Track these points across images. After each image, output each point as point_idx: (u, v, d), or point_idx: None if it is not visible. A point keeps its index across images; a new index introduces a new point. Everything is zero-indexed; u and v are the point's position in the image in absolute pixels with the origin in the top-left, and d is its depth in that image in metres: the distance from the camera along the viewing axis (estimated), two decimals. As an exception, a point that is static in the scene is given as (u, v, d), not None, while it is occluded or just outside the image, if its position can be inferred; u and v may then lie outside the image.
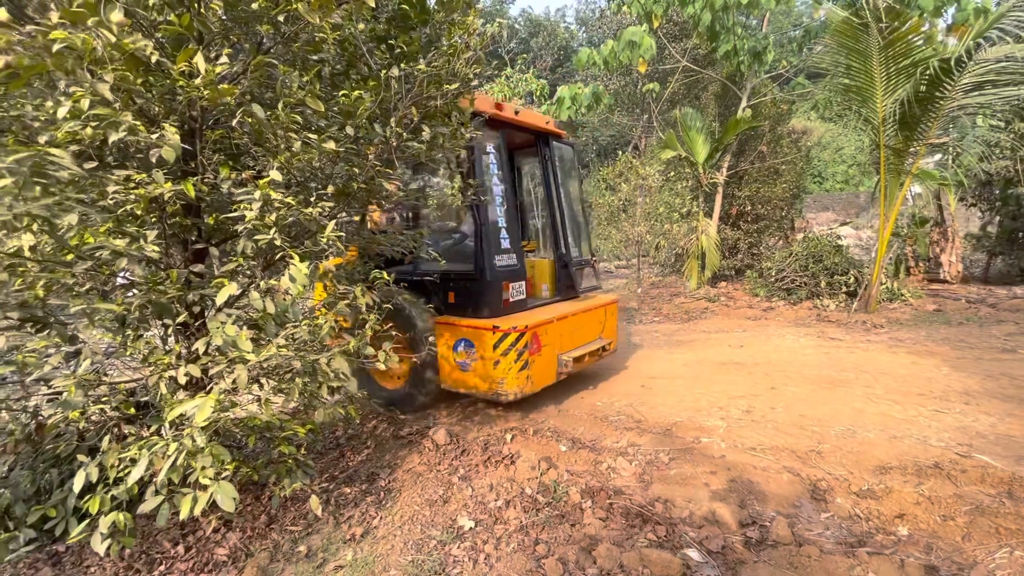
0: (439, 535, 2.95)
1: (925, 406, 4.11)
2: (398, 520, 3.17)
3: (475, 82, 2.96)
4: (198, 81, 1.89)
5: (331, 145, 2.26)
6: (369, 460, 4.15)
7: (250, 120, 2.13)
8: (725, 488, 3.15)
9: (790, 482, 3.14)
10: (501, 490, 3.34)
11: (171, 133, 1.95)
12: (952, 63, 6.25)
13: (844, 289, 8.80)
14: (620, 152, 13.35)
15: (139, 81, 2.09)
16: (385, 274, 2.84)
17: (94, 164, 2.44)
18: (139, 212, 2.44)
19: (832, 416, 4.03)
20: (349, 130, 2.44)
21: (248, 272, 2.76)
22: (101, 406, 2.47)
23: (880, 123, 7.14)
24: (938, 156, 10.09)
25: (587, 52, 10.41)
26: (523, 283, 4.43)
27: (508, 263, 4.28)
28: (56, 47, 1.64)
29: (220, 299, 2.09)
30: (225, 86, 1.97)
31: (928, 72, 6.43)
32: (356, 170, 2.58)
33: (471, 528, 3.00)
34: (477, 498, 3.29)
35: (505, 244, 4.23)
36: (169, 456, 2.00)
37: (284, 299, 2.41)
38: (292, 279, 2.24)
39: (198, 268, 2.76)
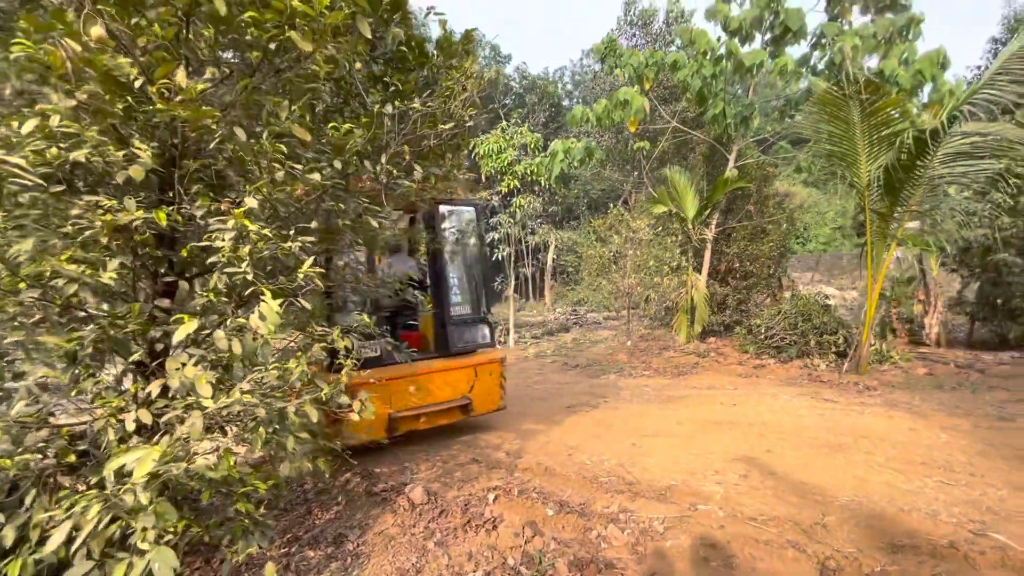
0: (409, 613, 2.62)
1: (930, 476, 3.91)
2: (364, 593, 2.83)
3: (470, 123, 2.92)
4: (178, 99, 1.77)
5: (316, 177, 2.14)
6: (338, 518, 3.80)
7: (231, 147, 2.01)
8: (726, 565, 2.88)
9: (795, 559, 2.88)
10: (481, 559, 3.03)
11: (142, 151, 1.81)
12: (927, 135, 6.49)
13: (834, 349, 8.74)
14: (611, 205, 13.58)
15: (118, 105, 1.98)
16: (366, 317, 2.66)
17: (61, 188, 2.30)
18: (103, 240, 2.26)
19: (835, 484, 3.81)
20: (337, 164, 2.33)
21: (220, 309, 2.56)
22: (32, 455, 2.18)
23: (865, 188, 7.32)
24: (917, 223, 10.38)
25: (581, 110, 10.75)
26: (374, 341, 4.38)
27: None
28: (13, 55, 1.51)
29: (177, 337, 1.89)
30: (207, 108, 1.86)
31: (907, 143, 6.65)
32: (342, 206, 2.45)
33: (445, 605, 2.68)
34: (454, 568, 2.97)
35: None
36: (90, 520, 1.73)
37: (255, 339, 2.21)
38: (263, 317, 2.05)
39: (164, 303, 2.56)
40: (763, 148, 13.13)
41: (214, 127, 1.95)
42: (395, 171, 2.54)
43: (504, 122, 12.13)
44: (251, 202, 2.01)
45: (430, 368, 4.84)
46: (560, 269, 24.62)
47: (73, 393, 2.30)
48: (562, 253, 22.35)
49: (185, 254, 2.60)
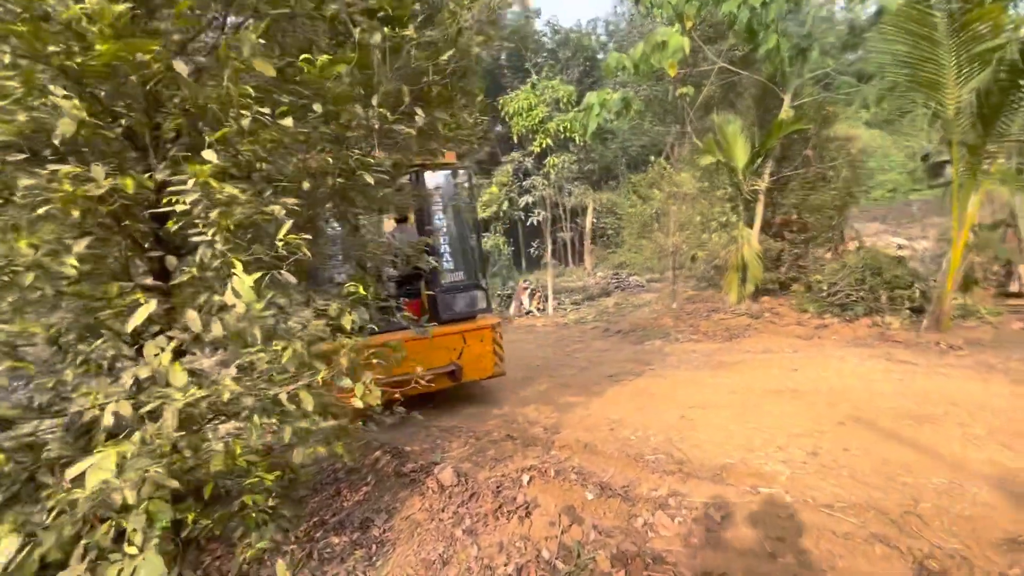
0: (433, 613, 2.37)
1: (1045, 452, 3.30)
2: (387, 586, 2.61)
3: (478, 50, 2.45)
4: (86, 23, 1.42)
5: (288, 122, 1.77)
6: (367, 500, 3.63)
7: (190, 94, 1.66)
8: (799, 562, 2.46)
9: (885, 557, 2.43)
10: (513, 551, 2.74)
11: (67, 103, 1.48)
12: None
13: (908, 304, 7.86)
14: (651, 160, 12.69)
15: (49, 48, 1.66)
16: (361, 288, 2.33)
17: (21, 157, 2.04)
18: (72, 214, 1.99)
19: (925, 464, 3.27)
20: (317, 107, 1.95)
21: (208, 285, 2.29)
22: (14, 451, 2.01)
23: (952, 118, 6.31)
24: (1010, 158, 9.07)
25: (616, 57, 9.87)
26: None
27: None
28: None
29: (134, 322, 1.60)
30: (139, 40, 1.50)
31: (1009, 59, 5.61)
32: (329, 160, 2.08)
33: (473, 604, 2.41)
34: (483, 560, 2.70)
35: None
36: (50, 531, 1.51)
37: (238, 320, 1.91)
38: (237, 294, 1.74)
39: (147, 281, 2.30)
40: (823, 86, 11.82)
41: (153, 63, 1.60)
42: (390, 116, 2.14)
43: (534, 76, 11.38)
44: (210, 155, 1.67)
45: (414, 335, 4.66)
46: (600, 232, 23.77)
47: (51, 384, 2.10)
48: (601, 215, 21.50)
49: (171, 226, 2.32)
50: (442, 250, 5.06)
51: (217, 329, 1.75)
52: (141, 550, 1.88)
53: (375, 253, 2.75)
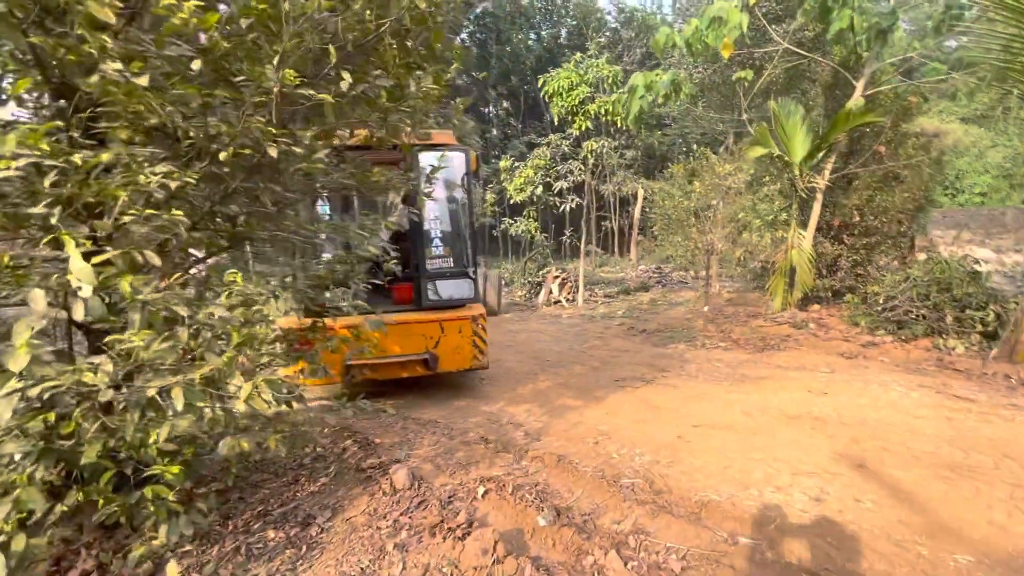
0: (328, 640, 2.14)
1: (1118, 535, 2.64)
2: (296, 599, 2.40)
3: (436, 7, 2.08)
4: None
5: (143, 80, 1.50)
6: (320, 493, 3.45)
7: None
8: (758, 643, 2.03)
9: (870, 652, 1.96)
10: (437, 577, 2.46)
11: None
12: None
13: (979, 328, 6.84)
14: (695, 148, 11.80)
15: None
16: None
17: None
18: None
19: (953, 532, 2.69)
20: (196, 65, 1.67)
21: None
22: None
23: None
24: None
25: (666, 32, 9.09)
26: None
27: None
28: None
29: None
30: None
31: None
32: (221, 127, 1.81)
33: (373, 636, 2.16)
34: (403, 584, 2.44)
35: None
36: None
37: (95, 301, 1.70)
38: (79, 279, 1.52)
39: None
40: (906, 73, 10.47)
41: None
42: (295, 78, 1.84)
43: (579, 54, 10.75)
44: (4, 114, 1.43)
45: (390, 320, 4.61)
46: (648, 223, 22.79)
47: None
48: (652, 206, 20.54)
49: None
50: (431, 235, 4.81)
51: (40, 306, 1.53)
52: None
53: (303, 236, 2.49)
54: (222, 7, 1.90)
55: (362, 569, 2.57)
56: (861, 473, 3.38)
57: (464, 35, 31.85)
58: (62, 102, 2.14)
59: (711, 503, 3.05)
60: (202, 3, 1.64)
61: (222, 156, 2.00)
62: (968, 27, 8.34)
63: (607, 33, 31.99)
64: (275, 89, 1.84)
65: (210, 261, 3.14)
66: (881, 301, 7.88)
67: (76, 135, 2.00)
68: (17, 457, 2.07)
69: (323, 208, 5.83)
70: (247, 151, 1.92)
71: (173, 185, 1.84)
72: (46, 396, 1.67)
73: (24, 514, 1.99)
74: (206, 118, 1.84)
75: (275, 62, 1.80)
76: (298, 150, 1.98)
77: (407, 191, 3.41)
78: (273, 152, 1.86)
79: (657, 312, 10.90)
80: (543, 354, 7.31)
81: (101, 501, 2.36)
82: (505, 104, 32.27)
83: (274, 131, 1.87)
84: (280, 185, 2.21)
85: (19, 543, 1.92)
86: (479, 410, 4.92)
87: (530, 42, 33.08)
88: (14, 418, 1.90)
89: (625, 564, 2.51)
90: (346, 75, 2.01)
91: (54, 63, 1.64)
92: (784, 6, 10.57)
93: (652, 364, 6.52)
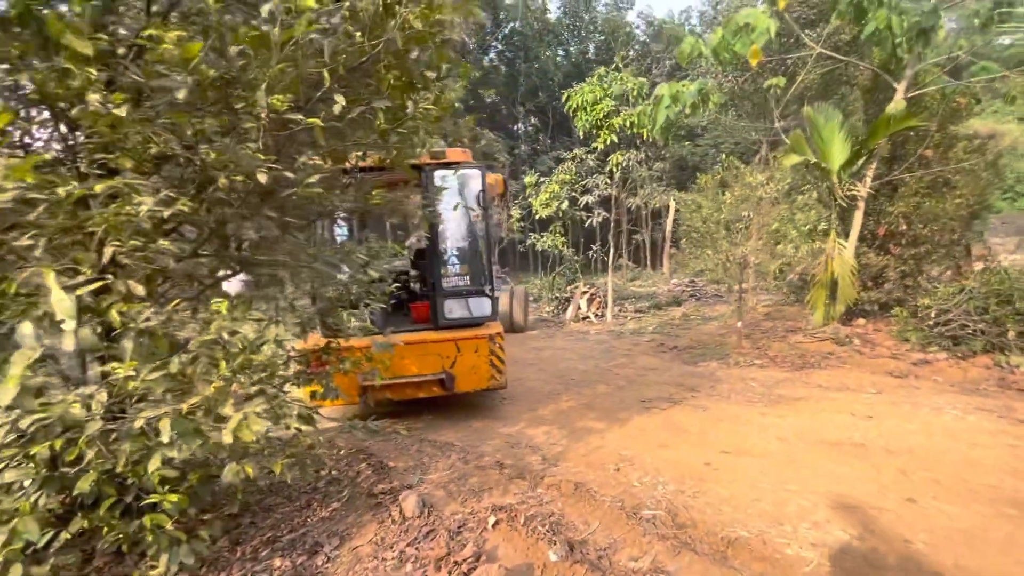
0: None
1: None
2: (295, 634, 2.32)
3: (452, 18, 2.02)
4: None
5: (122, 111, 1.50)
6: (331, 519, 3.40)
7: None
8: None
9: None
10: (439, 617, 2.34)
11: None
12: None
13: (1047, 344, 6.26)
14: (723, 157, 11.44)
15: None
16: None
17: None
18: None
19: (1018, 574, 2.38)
20: (181, 95, 1.66)
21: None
22: None
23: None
24: None
25: (691, 42, 8.91)
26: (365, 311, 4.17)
27: None
28: None
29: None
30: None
31: None
32: (212, 154, 1.80)
33: None
34: (404, 622, 2.33)
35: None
36: None
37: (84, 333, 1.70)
38: (59, 311, 1.51)
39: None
40: (953, 73, 9.90)
41: None
42: (283, 103, 1.81)
43: (602, 68, 10.69)
44: None
45: (405, 340, 4.66)
46: (680, 236, 22.30)
47: None
48: (684, 218, 20.09)
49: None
50: (448, 254, 4.78)
51: (29, 339, 1.53)
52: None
53: (304, 261, 2.46)
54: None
55: (364, 604, 2.48)
56: (911, 509, 3.06)
57: (492, 54, 32.44)
58: (77, 134, 2.21)
59: (739, 540, 2.81)
60: (188, 33, 1.65)
61: (220, 183, 2.00)
62: (1020, 24, 7.84)
63: (636, 47, 31.95)
64: (263, 115, 1.83)
65: (227, 285, 3.19)
66: (933, 315, 7.33)
67: (82, 167, 2.04)
68: (26, 483, 2.10)
69: (341, 230, 5.90)
70: (239, 178, 1.91)
71: (165, 213, 1.84)
72: (33, 429, 1.66)
73: (26, 545, 1.99)
74: (198, 146, 1.84)
75: (263, 88, 1.79)
76: (290, 175, 1.97)
77: (423, 211, 3.38)
78: (263, 179, 1.84)
79: (689, 327, 10.54)
80: (567, 372, 7.13)
81: (105, 528, 2.37)
82: (533, 120, 32.53)
83: (263, 157, 1.86)
84: (277, 210, 2.20)
85: (16, 572, 1.91)
86: (497, 432, 4.79)
87: (558, 58, 33.35)
88: (15, 444, 1.92)
89: (640, 608, 2.32)
90: (339, 98, 1.98)
91: (50, 96, 1.66)
92: (817, 10, 10.22)
93: (681, 383, 6.25)
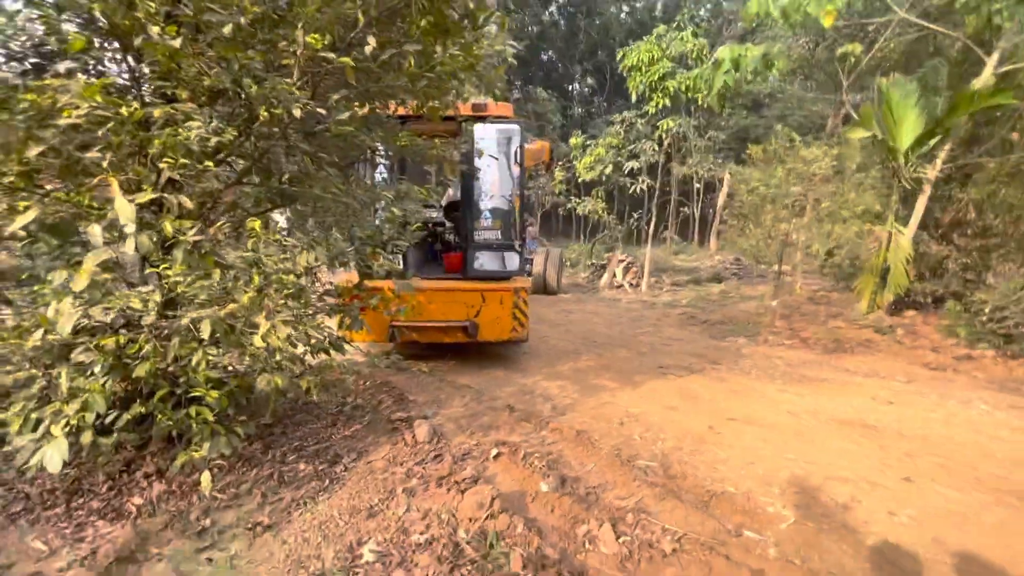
0: (329, 561, 2.37)
1: None
2: (311, 521, 2.68)
3: None
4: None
5: (176, 43, 1.69)
6: (352, 437, 3.76)
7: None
8: (731, 632, 1.98)
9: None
10: (434, 522, 2.63)
11: None
12: None
13: (1112, 350, 5.84)
14: (778, 128, 10.83)
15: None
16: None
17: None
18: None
19: (1001, 560, 2.41)
20: (227, 30, 1.84)
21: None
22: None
23: None
24: None
25: (758, 0, 8.38)
26: (399, 256, 4.61)
27: None
28: None
29: (16, 224, 1.71)
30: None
31: None
32: (253, 88, 1.99)
33: (367, 562, 2.36)
34: (404, 524, 2.63)
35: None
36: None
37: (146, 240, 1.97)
38: (121, 216, 1.77)
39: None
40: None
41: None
42: (318, 42, 1.97)
43: (661, 26, 10.24)
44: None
45: (433, 287, 5.01)
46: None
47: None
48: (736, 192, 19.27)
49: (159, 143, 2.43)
50: (481, 207, 4.92)
51: (97, 239, 1.81)
52: (62, 432, 2.10)
53: (333, 196, 2.66)
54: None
55: (371, 506, 2.80)
56: (905, 487, 3.08)
57: (553, 8, 31.27)
58: (141, 65, 2.47)
59: (724, 494, 2.94)
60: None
61: (262, 116, 2.20)
62: None
63: (708, 5, 29.96)
64: (299, 52, 2.00)
65: (275, 215, 3.48)
66: (987, 311, 6.92)
67: (145, 95, 2.29)
68: (96, 369, 2.48)
69: (381, 176, 6.12)
70: (279, 111, 2.11)
71: (213, 140, 2.06)
72: (101, 320, 1.98)
73: (96, 418, 2.36)
74: (242, 80, 2.04)
75: (300, 26, 1.95)
76: (322, 111, 2.15)
77: (450, 160, 3.51)
78: (297, 112, 2.03)
79: (725, 304, 10.35)
80: (592, 335, 7.26)
81: (159, 416, 2.76)
82: (590, 81, 31.51)
83: (299, 92, 2.04)
84: (315, 147, 2.40)
85: (87, 437, 2.30)
86: (514, 381, 5.03)
87: (623, 15, 31.81)
88: (85, 334, 2.27)
89: (617, 538, 2.52)
90: (371, 40, 2.12)
91: (117, 27, 1.89)
92: (908, -31, 9.30)
93: (703, 355, 6.26)
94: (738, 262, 17.25)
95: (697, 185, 25.10)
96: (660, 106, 10.14)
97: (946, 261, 8.80)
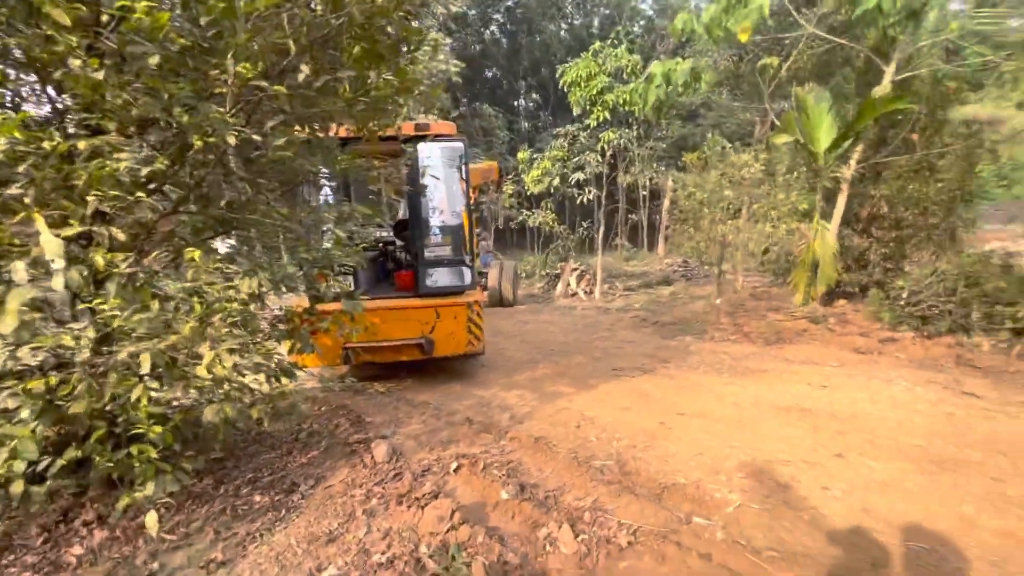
0: (287, 590, 2.33)
1: (1096, 533, 2.54)
2: (267, 553, 2.62)
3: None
4: None
5: (99, 75, 1.69)
6: (309, 464, 3.68)
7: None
8: (684, 613, 2.10)
9: (793, 628, 1.99)
10: (395, 540, 2.63)
11: None
12: None
13: (1009, 324, 6.49)
14: (710, 136, 11.51)
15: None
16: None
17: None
18: None
19: (916, 523, 2.65)
20: (153, 60, 1.85)
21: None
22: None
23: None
24: None
25: (683, 18, 8.91)
26: (349, 277, 4.79)
27: None
28: None
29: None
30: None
31: None
32: (184, 118, 1.99)
33: (328, 588, 2.34)
34: (365, 545, 2.62)
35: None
36: None
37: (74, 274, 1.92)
38: (48, 252, 1.73)
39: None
40: (945, 56, 9.90)
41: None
42: (250, 71, 1.99)
43: (597, 43, 10.69)
44: None
45: (386, 306, 5.00)
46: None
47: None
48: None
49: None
50: (430, 224, 4.98)
51: (21, 276, 1.75)
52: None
53: (276, 221, 2.66)
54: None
55: (330, 531, 2.76)
56: (838, 463, 3.33)
57: (494, 27, 31.91)
58: (63, 97, 2.40)
59: (675, 486, 3.09)
60: (165, 3, 1.83)
61: (196, 144, 2.19)
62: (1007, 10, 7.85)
63: (641, 22, 31.40)
64: (230, 82, 2.01)
65: (216, 244, 3.40)
66: (905, 295, 7.56)
67: (69, 127, 2.23)
68: (24, 414, 2.35)
69: (326, 199, 6.07)
70: (213, 140, 2.11)
71: (144, 171, 2.04)
72: (29, 363, 1.90)
73: (28, 466, 2.23)
74: (173, 109, 2.03)
75: (230, 56, 1.97)
76: (258, 138, 2.16)
77: (387, 181, 3.56)
78: (232, 140, 2.04)
79: (675, 305, 10.78)
80: (548, 344, 7.39)
81: (97, 458, 2.63)
82: (535, 96, 32.21)
83: (232, 121, 2.05)
84: (253, 173, 2.40)
85: (17, 487, 2.18)
86: (473, 394, 5.06)
87: (562, 32, 32.81)
88: (13, 377, 2.16)
89: (576, 537, 2.61)
90: (304, 68, 2.16)
91: (36, 60, 1.85)
92: (814, -11, 10.16)
93: (655, 355, 6.51)
94: (685, 264, 17.98)
95: (643, 192, 26.09)
96: (601, 119, 10.54)
97: (868, 252, 9.54)
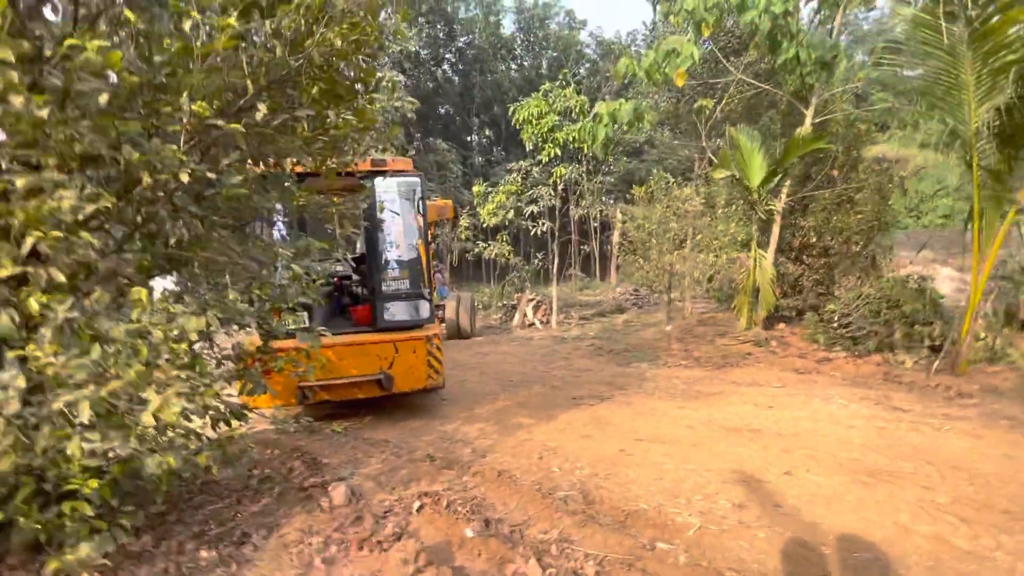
0: (239, 651, 2.17)
1: (1012, 533, 2.78)
2: (215, 615, 2.43)
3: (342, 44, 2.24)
4: None
5: (43, 113, 1.64)
6: (261, 513, 3.47)
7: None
8: (652, 640, 2.12)
9: (756, 645, 2.05)
10: (357, 588, 2.51)
11: None
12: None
13: (927, 343, 7.10)
14: (655, 172, 12.20)
15: None
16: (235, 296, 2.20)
17: None
18: None
19: (858, 534, 2.81)
20: (102, 99, 1.81)
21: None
22: None
23: (972, 137, 5.65)
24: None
25: (625, 63, 9.51)
26: (304, 313, 4.63)
27: None
28: None
29: None
30: None
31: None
32: (135, 155, 1.95)
33: (284, 647, 2.20)
34: (324, 596, 2.49)
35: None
36: None
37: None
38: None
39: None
40: (856, 101, 11.05)
41: None
42: (206, 110, 1.99)
43: (547, 83, 11.18)
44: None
45: (344, 341, 4.89)
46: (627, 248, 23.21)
47: None
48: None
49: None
50: (387, 258, 4.97)
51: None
52: None
53: (230, 258, 2.60)
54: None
55: (286, 583, 2.61)
56: (786, 480, 3.50)
57: (446, 66, 32.78)
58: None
59: (638, 512, 3.14)
60: (117, 39, 1.81)
61: (145, 182, 2.13)
62: (903, 62, 8.88)
63: (587, 64, 33.18)
64: (184, 120, 2.00)
65: (162, 283, 3.25)
66: (837, 318, 8.14)
67: (3, 163, 2.13)
68: (-64, 475, 2.12)
69: (281, 234, 5.95)
70: (164, 177, 2.06)
71: (88, 209, 1.97)
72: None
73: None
74: (121, 147, 1.98)
75: (185, 95, 1.96)
76: (212, 175, 2.13)
77: (346, 215, 3.55)
78: (184, 177, 2.00)
79: (628, 333, 11.08)
80: (507, 375, 7.40)
81: (21, 520, 2.39)
82: (488, 132, 33.04)
83: (184, 158, 2.02)
84: (206, 210, 2.35)
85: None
86: (434, 429, 4.97)
87: (512, 72, 34.12)
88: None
89: (543, 571, 2.59)
90: (261, 107, 2.18)
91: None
92: (740, 40, 11.15)
93: (611, 383, 6.64)
94: (636, 292, 18.57)
95: (594, 224, 27.01)
96: (552, 155, 10.93)
97: (801, 278, 10.24)
